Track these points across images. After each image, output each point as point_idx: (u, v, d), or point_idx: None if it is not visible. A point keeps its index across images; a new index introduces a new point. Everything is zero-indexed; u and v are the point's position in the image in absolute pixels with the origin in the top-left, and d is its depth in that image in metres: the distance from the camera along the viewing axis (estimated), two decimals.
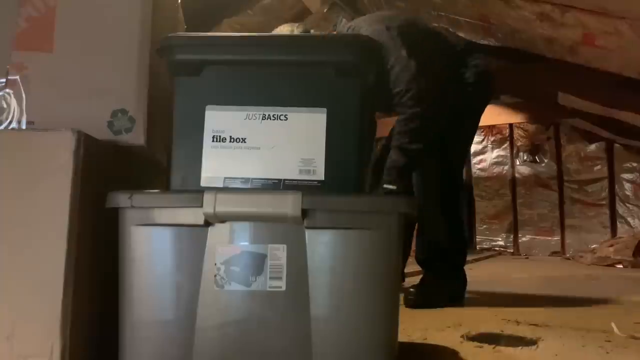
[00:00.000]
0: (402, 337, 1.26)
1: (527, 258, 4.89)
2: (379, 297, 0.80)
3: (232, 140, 0.88)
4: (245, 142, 0.88)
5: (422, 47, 1.67)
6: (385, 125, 5.28)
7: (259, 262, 0.79)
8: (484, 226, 5.53)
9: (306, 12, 3.28)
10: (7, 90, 0.93)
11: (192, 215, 0.79)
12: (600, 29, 1.93)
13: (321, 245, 0.79)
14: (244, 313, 0.79)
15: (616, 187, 4.72)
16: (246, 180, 0.87)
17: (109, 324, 0.83)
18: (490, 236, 5.48)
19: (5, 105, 0.93)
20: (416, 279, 2.18)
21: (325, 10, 3.27)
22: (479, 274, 3.13)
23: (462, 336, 1.33)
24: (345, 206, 0.79)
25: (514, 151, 5.43)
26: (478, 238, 5.57)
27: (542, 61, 2.97)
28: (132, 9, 0.98)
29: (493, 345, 1.24)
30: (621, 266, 3.71)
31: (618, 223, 4.68)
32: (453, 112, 1.71)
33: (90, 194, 0.84)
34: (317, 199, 0.78)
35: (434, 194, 1.76)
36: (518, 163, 5.39)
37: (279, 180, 0.87)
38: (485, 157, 5.64)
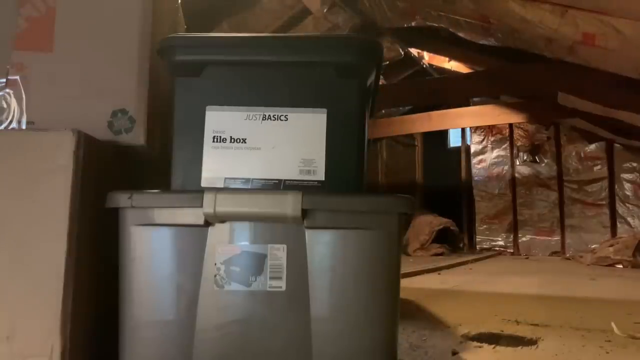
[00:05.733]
0: (401, 337, 1.26)
1: (527, 258, 4.89)
2: (379, 297, 0.80)
3: (232, 140, 0.88)
4: (245, 142, 0.88)
5: None
6: (386, 126, 5.23)
7: (259, 262, 0.79)
8: (484, 226, 5.54)
9: (306, 13, 3.27)
10: (7, 90, 0.93)
11: (192, 215, 0.79)
12: (600, 29, 1.93)
13: (321, 245, 0.79)
14: (244, 313, 0.79)
15: (616, 187, 4.73)
16: (246, 180, 0.87)
17: (109, 324, 0.83)
18: (490, 236, 5.49)
19: (5, 105, 0.93)
20: (414, 280, 2.18)
21: (325, 11, 3.27)
22: (479, 274, 3.13)
23: (462, 336, 1.33)
24: (345, 206, 0.79)
25: (514, 151, 5.44)
26: (478, 238, 5.58)
27: (542, 61, 2.97)
28: (132, 9, 0.98)
29: (493, 345, 1.24)
30: (621, 266, 3.71)
31: (618, 223, 4.68)
32: None
33: (90, 194, 0.84)
34: (317, 199, 0.78)
35: None
36: (518, 163, 5.40)
37: (280, 180, 0.87)
38: (485, 157, 5.64)
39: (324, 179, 0.86)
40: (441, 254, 4.80)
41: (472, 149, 5.78)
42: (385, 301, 0.80)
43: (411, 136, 6.45)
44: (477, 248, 5.52)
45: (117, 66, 0.96)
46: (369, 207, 0.79)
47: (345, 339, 0.78)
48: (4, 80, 0.94)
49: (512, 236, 5.35)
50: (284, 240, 0.79)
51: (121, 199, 0.80)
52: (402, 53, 4.26)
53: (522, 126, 5.36)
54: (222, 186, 0.87)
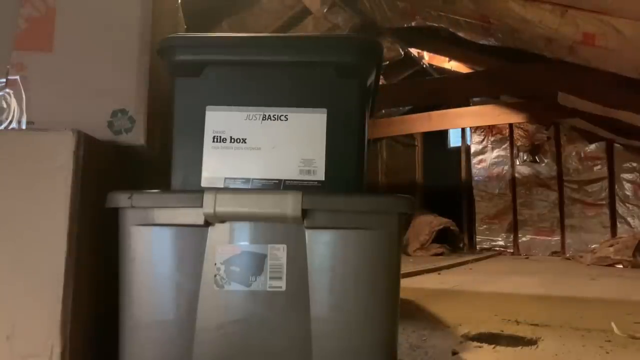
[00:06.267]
0: (401, 338, 1.26)
1: (527, 258, 4.89)
2: (379, 297, 0.80)
3: (232, 140, 0.88)
4: (245, 142, 0.88)
5: None
6: (386, 126, 5.22)
7: (259, 262, 0.79)
8: (484, 226, 5.54)
9: (306, 13, 3.27)
10: (7, 90, 0.93)
11: (192, 215, 0.79)
12: (600, 28, 1.93)
13: (321, 245, 0.79)
14: (244, 313, 0.79)
15: (616, 187, 4.73)
16: (247, 180, 0.87)
17: (109, 324, 0.83)
18: (490, 236, 5.49)
19: (5, 105, 0.93)
20: (414, 280, 2.17)
21: (325, 11, 3.26)
22: (479, 274, 3.13)
23: (462, 336, 1.33)
24: (345, 206, 0.79)
25: (514, 151, 5.44)
26: (478, 238, 5.58)
27: (542, 61, 2.97)
28: (132, 9, 0.98)
29: (493, 345, 1.24)
30: (621, 266, 3.71)
31: (618, 223, 4.68)
32: None
33: (90, 194, 0.84)
34: (317, 199, 0.78)
35: None
36: (518, 163, 5.40)
37: (280, 180, 0.87)
38: (485, 157, 5.64)
39: (324, 179, 0.86)
40: (441, 254, 4.80)
41: (472, 149, 5.78)
42: (385, 301, 0.80)
43: (411, 136, 6.45)
44: (477, 248, 5.52)
45: (117, 66, 0.96)
46: (369, 207, 0.79)
47: (345, 339, 0.78)
48: (4, 80, 0.94)
49: (512, 236, 5.35)
50: (284, 240, 0.79)
51: (121, 199, 0.80)
52: (402, 53, 4.26)
53: (522, 126, 5.36)
54: (222, 186, 0.87)
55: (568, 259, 4.61)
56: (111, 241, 0.83)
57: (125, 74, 0.96)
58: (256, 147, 0.88)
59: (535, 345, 1.25)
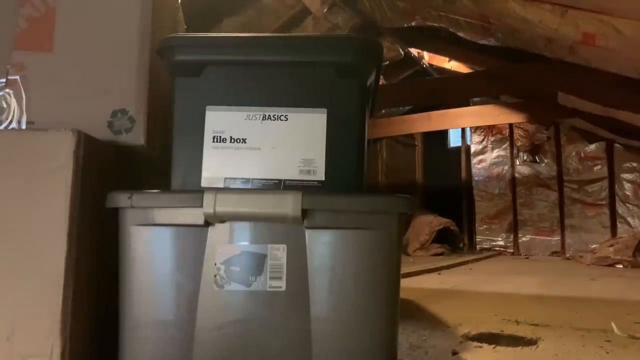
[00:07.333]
0: (401, 338, 1.26)
1: (527, 258, 4.89)
2: (379, 297, 0.80)
3: (232, 140, 0.88)
4: (245, 142, 0.88)
5: None
6: (386, 126, 5.22)
7: (258, 262, 0.79)
8: (484, 226, 5.54)
9: (306, 13, 3.27)
10: (7, 90, 0.93)
11: (192, 215, 0.79)
12: (600, 28, 1.93)
13: (321, 245, 0.79)
14: (244, 313, 0.79)
15: (616, 187, 4.73)
16: (247, 180, 0.87)
17: (109, 324, 0.83)
18: (490, 236, 5.49)
19: (5, 105, 0.93)
20: (414, 280, 2.16)
21: (325, 11, 3.26)
22: (479, 274, 3.13)
23: (462, 336, 1.33)
24: (345, 206, 0.79)
25: (514, 151, 5.44)
26: (478, 238, 5.58)
27: (542, 61, 2.97)
28: (132, 9, 0.98)
29: (493, 345, 1.24)
30: (621, 266, 3.71)
31: (618, 223, 4.68)
32: None
33: (90, 194, 0.84)
34: (317, 199, 0.78)
35: None
36: (518, 163, 5.40)
37: (280, 180, 0.87)
38: (485, 157, 5.65)
39: (324, 179, 0.86)
40: (441, 254, 4.80)
41: (472, 149, 5.79)
42: (385, 301, 0.80)
43: (411, 136, 6.45)
44: (477, 248, 5.52)
45: (117, 66, 0.96)
46: (369, 207, 0.79)
47: (345, 339, 0.78)
48: (4, 80, 0.94)
49: (512, 236, 5.35)
50: (284, 240, 0.79)
51: (121, 199, 0.80)
52: (402, 53, 4.26)
53: (522, 126, 5.37)
54: (222, 186, 0.87)
55: (568, 259, 4.62)
56: (111, 241, 0.83)
57: (125, 74, 0.96)
58: (256, 147, 0.88)
59: (535, 345, 1.25)
